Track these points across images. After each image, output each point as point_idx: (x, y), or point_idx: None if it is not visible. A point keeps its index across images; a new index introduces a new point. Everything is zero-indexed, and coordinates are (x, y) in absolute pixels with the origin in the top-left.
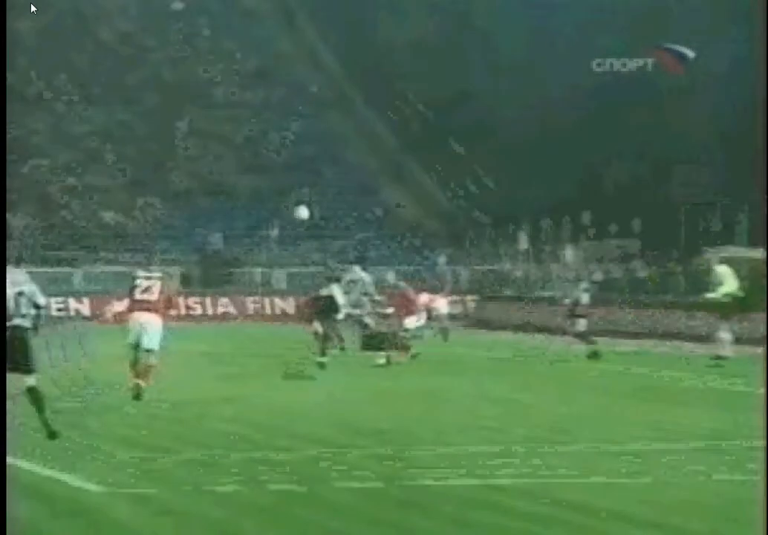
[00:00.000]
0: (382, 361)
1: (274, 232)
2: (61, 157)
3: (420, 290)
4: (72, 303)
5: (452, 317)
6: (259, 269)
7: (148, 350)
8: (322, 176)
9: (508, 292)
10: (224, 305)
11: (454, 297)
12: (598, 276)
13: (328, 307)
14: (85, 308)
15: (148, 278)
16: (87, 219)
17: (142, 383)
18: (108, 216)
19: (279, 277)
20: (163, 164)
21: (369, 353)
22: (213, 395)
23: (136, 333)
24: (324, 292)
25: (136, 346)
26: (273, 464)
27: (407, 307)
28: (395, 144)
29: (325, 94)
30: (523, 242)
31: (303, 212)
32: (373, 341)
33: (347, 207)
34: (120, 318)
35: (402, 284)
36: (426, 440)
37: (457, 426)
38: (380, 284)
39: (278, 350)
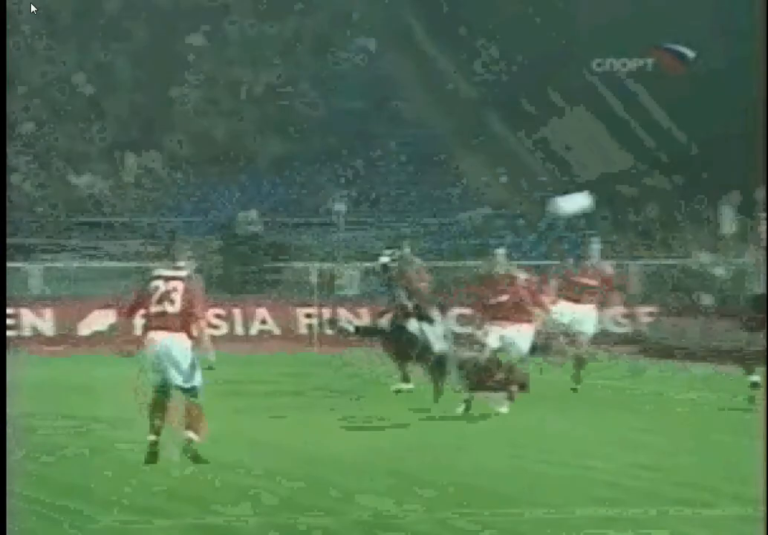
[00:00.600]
0: (505, 408)
1: (340, 207)
2: (17, 113)
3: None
4: (27, 316)
5: (610, 337)
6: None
7: (187, 390)
8: (373, 140)
9: (707, 300)
10: (262, 319)
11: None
12: None
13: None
14: (46, 325)
15: (168, 279)
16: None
17: (194, 435)
18: (81, 182)
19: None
20: (156, 123)
21: (482, 394)
22: (225, 431)
23: (160, 365)
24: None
25: (164, 385)
26: (309, 532)
27: (517, 309)
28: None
29: (379, 25)
30: (729, 224)
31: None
32: (483, 377)
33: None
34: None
35: (515, 269)
36: (512, 499)
37: (552, 480)
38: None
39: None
